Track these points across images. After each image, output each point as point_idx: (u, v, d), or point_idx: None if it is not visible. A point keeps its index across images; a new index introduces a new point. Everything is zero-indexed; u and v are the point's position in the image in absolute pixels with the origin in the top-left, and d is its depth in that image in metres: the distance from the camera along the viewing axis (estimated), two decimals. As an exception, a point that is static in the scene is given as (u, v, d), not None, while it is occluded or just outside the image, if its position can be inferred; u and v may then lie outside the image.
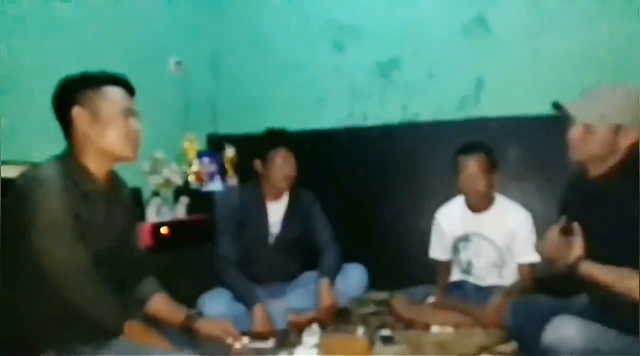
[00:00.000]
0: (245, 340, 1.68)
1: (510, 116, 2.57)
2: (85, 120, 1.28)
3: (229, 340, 1.56)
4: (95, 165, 1.31)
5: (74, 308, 1.21)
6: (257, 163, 2.19)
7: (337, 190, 2.71)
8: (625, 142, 1.34)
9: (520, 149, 2.57)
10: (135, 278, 1.49)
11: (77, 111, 1.28)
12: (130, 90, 1.35)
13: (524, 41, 2.63)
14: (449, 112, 2.78)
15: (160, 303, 1.48)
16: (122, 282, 1.40)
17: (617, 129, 1.33)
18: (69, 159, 1.30)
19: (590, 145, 1.35)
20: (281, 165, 2.14)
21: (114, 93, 1.31)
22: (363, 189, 2.83)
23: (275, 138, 2.20)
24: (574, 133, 1.38)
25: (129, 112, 1.32)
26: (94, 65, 1.35)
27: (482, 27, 2.73)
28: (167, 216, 2.45)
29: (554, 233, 1.42)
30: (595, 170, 1.40)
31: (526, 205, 2.17)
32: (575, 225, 1.39)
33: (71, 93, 1.29)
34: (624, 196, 1.30)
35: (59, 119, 1.32)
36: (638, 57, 2.39)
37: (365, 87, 2.95)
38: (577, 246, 1.35)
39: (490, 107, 2.68)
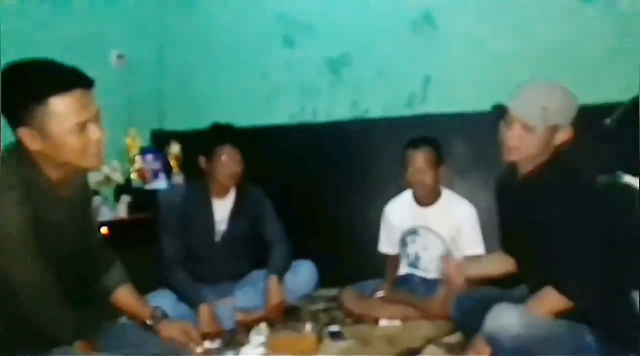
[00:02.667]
0: (207, 343, 1.70)
1: (456, 112, 2.62)
2: (34, 141, 1.14)
3: (191, 344, 1.52)
4: (55, 173, 1.21)
5: (22, 319, 1.16)
6: (202, 160, 2.13)
7: (287, 187, 2.67)
8: (557, 141, 1.36)
9: (465, 145, 2.62)
10: (100, 269, 1.44)
11: (24, 133, 1.14)
12: (85, 84, 1.15)
13: (470, 39, 2.69)
14: (398, 108, 2.80)
15: (125, 296, 1.45)
16: (86, 278, 1.38)
17: (553, 129, 1.34)
18: (26, 160, 1.17)
19: (528, 145, 1.34)
20: (226, 162, 2.08)
21: (63, 106, 1.12)
22: (313, 185, 2.80)
23: (221, 134, 2.14)
24: (513, 133, 1.35)
25: (85, 123, 1.15)
26: (30, 56, 1.19)
27: (429, 25, 2.77)
28: (107, 215, 2.34)
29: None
30: (524, 169, 1.41)
31: (471, 199, 2.22)
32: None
33: (14, 111, 1.13)
34: (550, 196, 1.33)
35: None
36: (579, 57, 2.49)
37: (316, 83, 2.93)
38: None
39: (436, 103, 2.72)
